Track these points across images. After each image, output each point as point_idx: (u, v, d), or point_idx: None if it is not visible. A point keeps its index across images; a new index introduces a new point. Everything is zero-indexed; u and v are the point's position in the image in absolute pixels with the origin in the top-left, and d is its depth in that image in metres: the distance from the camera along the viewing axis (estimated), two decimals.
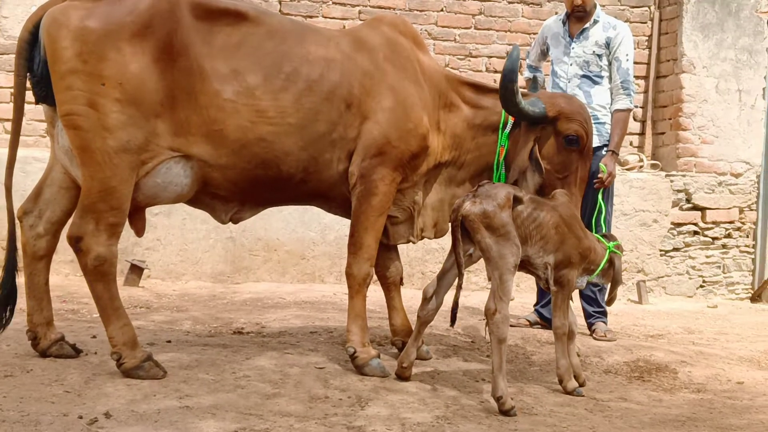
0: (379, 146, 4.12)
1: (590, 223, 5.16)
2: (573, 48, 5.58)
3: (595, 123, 5.46)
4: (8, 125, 6.95)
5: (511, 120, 4.32)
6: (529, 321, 5.68)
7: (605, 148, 5.45)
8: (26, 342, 4.05)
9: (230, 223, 4.27)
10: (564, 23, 5.67)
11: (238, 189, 4.06)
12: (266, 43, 3.99)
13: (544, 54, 5.85)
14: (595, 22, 5.55)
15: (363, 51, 4.21)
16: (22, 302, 4.02)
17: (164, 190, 3.92)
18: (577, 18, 5.60)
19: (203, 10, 3.91)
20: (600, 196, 5.05)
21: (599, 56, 5.51)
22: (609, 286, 4.37)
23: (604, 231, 4.74)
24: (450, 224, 3.90)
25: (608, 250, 4.23)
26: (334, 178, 4.19)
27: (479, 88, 4.47)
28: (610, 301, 4.68)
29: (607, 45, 5.49)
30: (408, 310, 4.66)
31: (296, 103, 3.98)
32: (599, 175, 5.16)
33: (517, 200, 3.89)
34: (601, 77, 5.53)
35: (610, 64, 5.52)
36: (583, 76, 5.53)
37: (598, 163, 5.23)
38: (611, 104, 5.52)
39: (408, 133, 4.16)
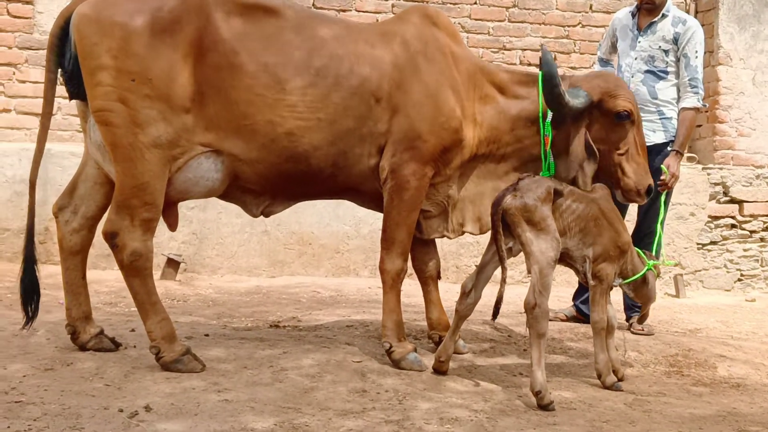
0: (410, 140, 4.09)
1: (651, 226, 5.14)
2: (639, 42, 5.48)
3: (661, 118, 5.41)
4: None
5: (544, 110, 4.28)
6: (566, 315, 5.64)
7: (670, 146, 5.35)
8: (66, 336, 4.09)
9: (262, 216, 4.28)
10: (633, 16, 5.57)
11: (268, 183, 4.07)
12: (295, 38, 3.99)
13: (614, 46, 5.73)
14: (664, 16, 5.43)
15: (393, 44, 4.18)
16: (62, 295, 4.05)
17: (196, 185, 3.94)
18: (647, 11, 5.49)
19: (233, 5, 3.92)
20: (662, 198, 5.00)
21: (666, 51, 5.39)
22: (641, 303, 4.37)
23: (659, 233, 4.82)
24: (490, 218, 3.88)
25: (647, 267, 4.21)
26: (364, 172, 4.17)
27: (514, 78, 4.42)
28: (641, 319, 4.66)
29: (675, 41, 5.37)
30: (443, 304, 4.65)
31: (325, 98, 3.98)
32: (662, 177, 5.06)
33: (557, 193, 3.87)
34: (667, 72, 5.41)
35: (678, 60, 5.40)
36: (648, 71, 5.42)
37: (660, 164, 5.15)
38: (679, 101, 5.41)
39: (440, 126, 4.13)
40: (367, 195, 4.33)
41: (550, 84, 4.04)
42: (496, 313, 3.87)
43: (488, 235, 4.00)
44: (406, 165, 4.10)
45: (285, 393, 3.58)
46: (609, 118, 4.25)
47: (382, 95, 4.07)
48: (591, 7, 8.08)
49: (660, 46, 5.40)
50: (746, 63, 7.92)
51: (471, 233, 4.45)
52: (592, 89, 4.23)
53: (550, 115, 4.24)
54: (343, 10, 7.75)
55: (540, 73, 4.12)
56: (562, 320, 5.58)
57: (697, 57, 5.36)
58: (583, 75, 4.49)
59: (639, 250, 4.27)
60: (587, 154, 4.18)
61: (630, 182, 4.30)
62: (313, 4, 7.67)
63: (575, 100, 4.15)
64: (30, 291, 3.91)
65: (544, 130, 4.26)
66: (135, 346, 4.17)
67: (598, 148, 4.20)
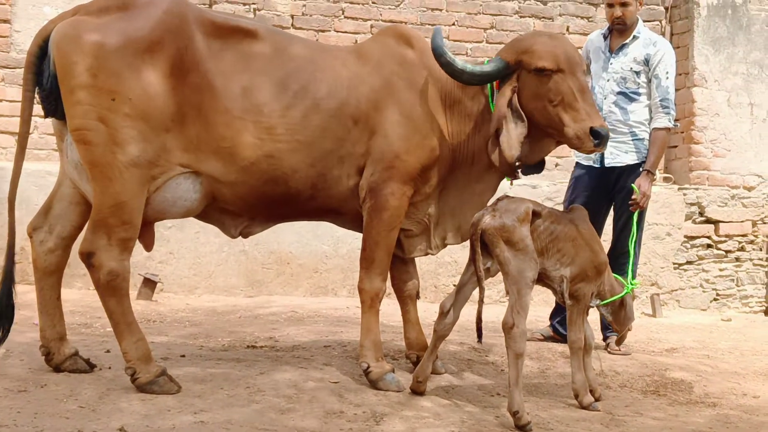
0: (388, 160, 4.10)
1: (625, 245, 5.16)
2: (611, 63, 5.51)
3: (633, 139, 5.43)
4: None
5: (495, 88, 4.20)
6: (543, 335, 5.65)
7: (642, 167, 5.37)
8: (40, 357, 4.04)
9: (240, 237, 4.26)
10: (605, 37, 5.61)
11: (247, 205, 4.06)
12: (275, 61, 4.00)
13: (588, 68, 5.77)
14: (635, 38, 5.48)
15: (369, 66, 4.20)
16: (35, 316, 4.02)
17: (173, 205, 3.93)
18: (618, 31, 5.53)
19: (214, 27, 3.93)
20: (635, 218, 5.00)
21: (637, 73, 5.43)
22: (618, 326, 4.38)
23: (632, 253, 4.88)
24: (469, 238, 3.88)
25: (626, 290, 4.22)
26: (344, 193, 4.18)
27: None
28: (619, 341, 4.69)
29: (646, 62, 5.41)
30: (421, 324, 4.64)
31: (304, 120, 3.98)
32: (633, 197, 5.08)
33: (536, 214, 3.89)
34: (639, 94, 5.44)
35: (649, 81, 5.44)
36: (620, 92, 5.44)
37: (631, 184, 5.17)
38: (650, 122, 5.44)
39: (416, 145, 4.14)
40: (348, 216, 4.33)
41: (438, 56, 4.03)
42: (479, 334, 3.88)
43: (467, 255, 4.00)
44: (385, 185, 4.10)
45: (261, 414, 3.56)
46: (532, 74, 4.11)
47: (359, 117, 4.07)
48: (568, 29, 8.14)
49: (631, 68, 5.45)
50: (721, 84, 8.01)
51: (452, 244, 4.44)
52: (510, 52, 4.15)
53: (497, 95, 4.17)
54: (322, 31, 7.77)
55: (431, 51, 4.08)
56: (540, 340, 5.59)
57: (668, 78, 5.40)
58: (512, 41, 4.40)
59: (617, 276, 4.28)
60: (514, 117, 4.05)
61: (569, 130, 4.06)
62: (292, 25, 7.68)
63: (481, 66, 4.10)
64: (5, 312, 3.88)
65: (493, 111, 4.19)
66: (110, 367, 4.14)
67: (535, 106, 4.10)
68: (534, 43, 4.15)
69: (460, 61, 4.06)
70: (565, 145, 4.26)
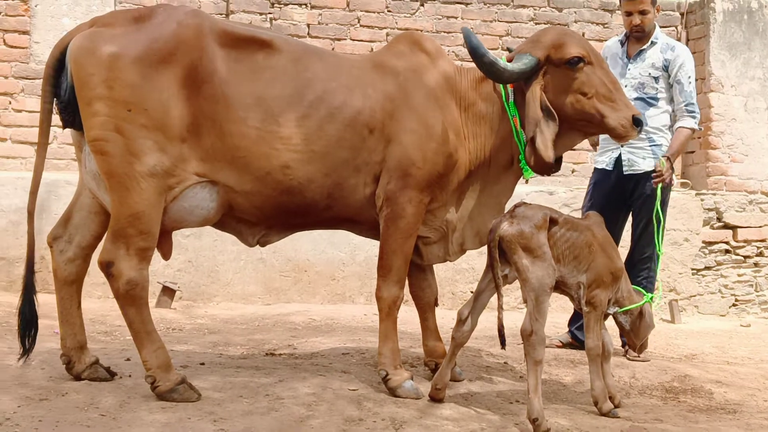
0: (404, 168, 4.10)
1: (645, 253, 5.19)
2: (629, 69, 5.52)
3: (651, 145, 5.44)
4: None
5: (510, 88, 4.23)
6: (561, 342, 5.64)
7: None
8: (61, 365, 4.07)
9: (258, 246, 4.28)
10: (622, 44, 5.62)
11: (263, 214, 4.07)
12: (290, 71, 4.01)
13: None
14: (653, 43, 5.49)
15: (384, 74, 4.20)
16: (56, 325, 4.04)
17: (190, 214, 3.95)
18: (636, 38, 5.54)
19: (228, 37, 3.94)
20: (658, 206, 5.04)
21: (656, 78, 5.44)
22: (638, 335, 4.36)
23: (659, 248, 4.90)
24: (487, 245, 3.88)
25: (646, 299, 4.21)
26: (360, 202, 4.18)
27: (479, 75, 4.31)
28: (640, 349, 4.67)
29: (665, 68, 5.42)
30: (439, 331, 4.64)
31: (319, 130, 3.98)
32: (657, 169, 5.14)
33: (552, 221, 3.89)
34: (657, 99, 5.46)
35: (670, 86, 5.44)
36: (637, 98, 5.43)
37: (651, 190, 5.23)
38: (675, 124, 5.44)
39: (433, 153, 4.13)
40: (365, 224, 4.33)
41: (478, 55, 4.01)
42: (503, 341, 3.88)
43: (484, 262, 4.00)
44: (401, 193, 4.10)
45: (281, 422, 3.57)
46: (562, 68, 4.15)
47: (375, 125, 4.08)
48: (583, 36, 8.12)
49: (650, 73, 5.45)
50: (738, 90, 8.00)
51: (470, 249, 4.44)
52: (537, 48, 4.16)
53: (512, 95, 4.21)
54: (338, 39, 7.80)
55: (468, 51, 4.06)
56: (558, 347, 5.58)
57: (690, 82, 5.42)
58: (529, 38, 4.41)
59: (635, 287, 4.27)
60: (546, 116, 4.08)
61: (611, 121, 4.15)
62: (308, 34, 7.72)
63: (517, 64, 4.09)
64: (29, 322, 3.91)
65: (510, 111, 4.23)
66: (130, 376, 4.16)
67: (566, 101, 4.14)
68: (560, 37, 4.20)
69: (501, 60, 4.06)
70: (581, 151, 4.27)
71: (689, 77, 5.42)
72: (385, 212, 4.14)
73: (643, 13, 5.45)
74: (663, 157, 5.24)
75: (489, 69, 4.05)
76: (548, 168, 4.16)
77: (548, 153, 4.06)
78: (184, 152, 3.79)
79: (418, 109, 4.15)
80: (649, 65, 5.46)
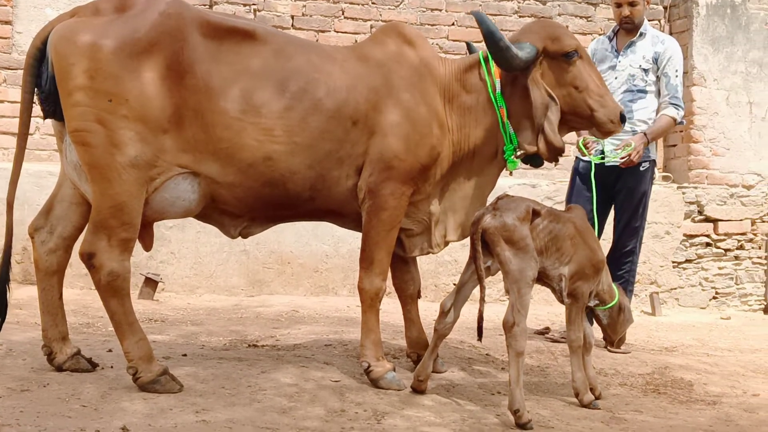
0: (387, 161, 4.09)
1: (628, 246, 5.30)
2: (620, 61, 5.56)
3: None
4: None
5: (497, 79, 4.23)
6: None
7: (642, 167, 5.48)
8: (42, 356, 4.06)
9: (240, 237, 4.28)
10: (611, 39, 5.66)
11: (245, 206, 4.06)
12: (273, 62, 3.99)
13: None
14: (642, 35, 5.52)
15: (368, 66, 4.19)
16: (37, 317, 4.03)
17: (172, 205, 3.94)
18: (626, 30, 5.57)
19: (211, 28, 3.91)
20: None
21: (645, 71, 5.47)
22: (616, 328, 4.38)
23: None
24: (470, 237, 3.89)
25: (616, 299, 4.23)
26: (343, 194, 4.17)
27: (462, 65, 4.35)
28: (619, 343, 4.70)
29: (655, 60, 5.46)
30: (421, 322, 4.65)
31: (302, 121, 3.97)
32: (624, 152, 5.21)
33: (535, 213, 3.90)
34: (645, 92, 5.49)
35: (658, 79, 5.49)
36: (626, 90, 5.48)
37: (635, 184, 5.42)
38: (659, 113, 5.50)
39: (416, 145, 4.13)
40: (348, 216, 4.32)
41: (494, 41, 4.00)
42: (480, 332, 3.89)
43: (467, 254, 4.02)
44: (383, 185, 4.10)
45: (263, 413, 3.58)
46: (558, 60, 4.20)
47: (358, 117, 4.07)
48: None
49: (640, 65, 5.48)
50: (720, 84, 8.04)
51: (453, 241, 4.45)
52: (534, 39, 4.18)
53: (498, 86, 4.22)
54: (323, 31, 7.78)
55: (483, 36, 4.04)
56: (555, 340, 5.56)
57: (677, 76, 5.46)
58: (518, 31, 4.44)
59: (615, 285, 4.30)
60: (551, 101, 4.14)
61: (600, 116, 4.23)
62: (293, 26, 7.70)
63: (524, 53, 4.10)
64: None
65: (497, 103, 4.24)
66: (112, 367, 4.15)
67: (558, 94, 4.18)
68: (555, 29, 4.27)
69: (513, 47, 4.06)
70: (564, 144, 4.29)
71: (676, 71, 5.46)
72: (367, 204, 4.14)
73: (632, 4, 5.48)
74: (634, 136, 5.32)
75: (503, 55, 4.04)
76: (559, 154, 4.23)
77: (556, 137, 4.14)
78: (165, 143, 3.77)
79: (402, 101, 4.14)
80: (639, 57, 5.49)
